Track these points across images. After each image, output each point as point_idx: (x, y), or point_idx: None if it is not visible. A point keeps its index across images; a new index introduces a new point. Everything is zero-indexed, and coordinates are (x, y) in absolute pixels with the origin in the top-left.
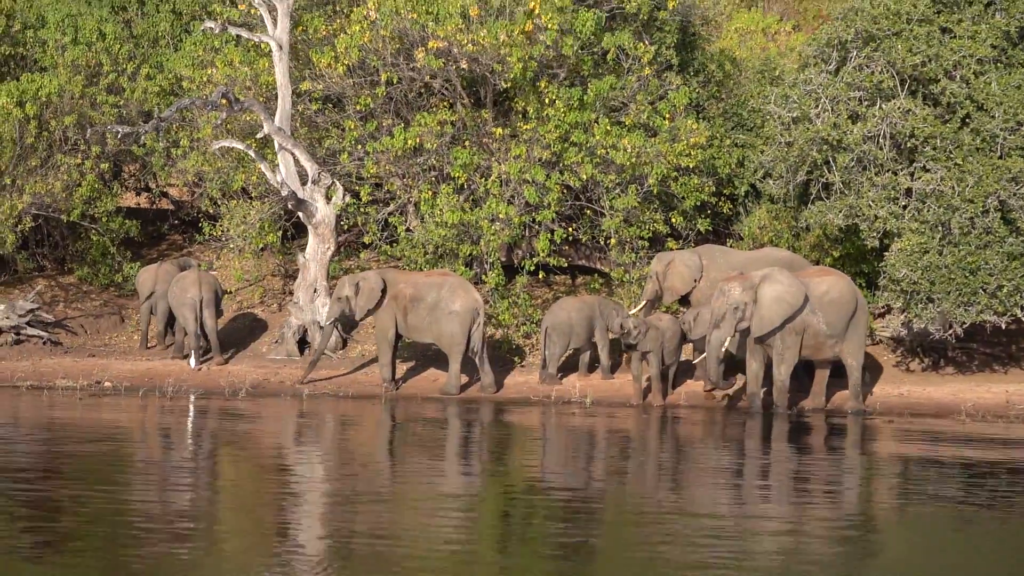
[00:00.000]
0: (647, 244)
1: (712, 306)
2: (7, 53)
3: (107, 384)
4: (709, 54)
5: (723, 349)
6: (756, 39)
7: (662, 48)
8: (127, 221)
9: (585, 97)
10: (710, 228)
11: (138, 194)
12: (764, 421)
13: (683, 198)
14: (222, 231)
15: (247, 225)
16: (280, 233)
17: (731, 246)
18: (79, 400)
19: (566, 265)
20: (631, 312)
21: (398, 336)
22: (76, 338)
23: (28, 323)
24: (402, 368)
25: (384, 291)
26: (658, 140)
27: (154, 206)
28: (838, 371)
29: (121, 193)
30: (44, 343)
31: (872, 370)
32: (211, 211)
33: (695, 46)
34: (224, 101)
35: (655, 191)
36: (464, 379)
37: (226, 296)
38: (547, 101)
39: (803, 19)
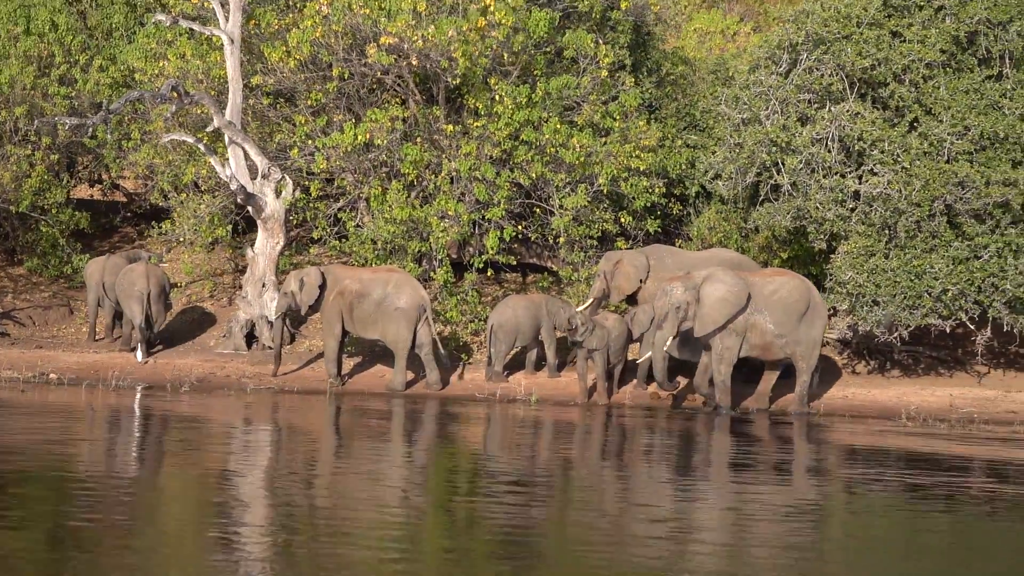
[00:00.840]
0: (596, 243)
1: (655, 306)
2: None
3: (52, 376)
4: (663, 53)
5: (665, 349)
6: (715, 40)
7: (615, 48)
8: (77, 213)
9: (533, 95)
10: (660, 228)
11: (91, 186)
12: (706, 420)
13: (633, 198)
14: (171, 225)
15: (197, 219)
16: (231, 227)
17: (680, 247)
18: (21, 391)
19: (515, 263)
20: (578, 310)
21: (345, 332)
22: (24, 329)
23: None
24: (349, 364)
25: (323, 287)
26: (609, 140)
27: (107, 198)
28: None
29: (75, 185)
30: None
31: (828, 372)
32: (162, 204)
33: (649, 46)
34: (174, 94)
35: (605, 191)
36: (411, 376)
37: (176, 290)
38: (497, 98)
39: (763, 20)
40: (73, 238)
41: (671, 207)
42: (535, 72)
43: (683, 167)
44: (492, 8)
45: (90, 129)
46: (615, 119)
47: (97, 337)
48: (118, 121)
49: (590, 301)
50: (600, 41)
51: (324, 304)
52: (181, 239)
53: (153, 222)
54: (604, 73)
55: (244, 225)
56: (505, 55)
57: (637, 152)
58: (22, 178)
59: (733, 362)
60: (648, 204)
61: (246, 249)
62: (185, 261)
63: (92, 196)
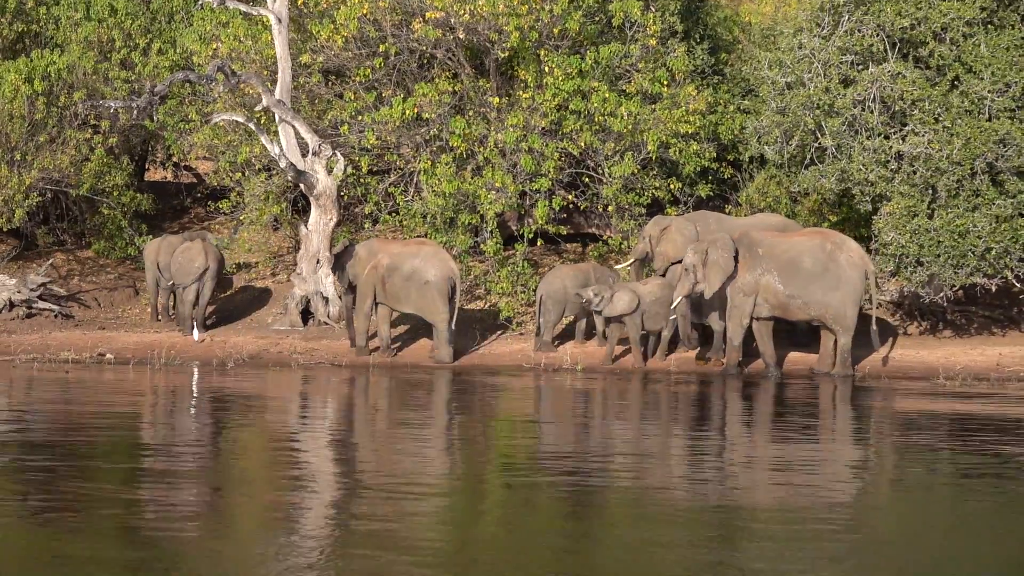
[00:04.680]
0: (644, 211)
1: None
2: (20, 30)
3: (108, 356)
4: (718, 20)
5: (673, 308)
6: (792, 5)
7: (665, 15)
8: (138, 195)
9: (583, 65)
10: (711, 194)
11: (164, 168)
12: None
13: (683, 164)
14: (233, 204)
15: (254, 197)
16: (289, 205)
17: (728, 212)
18: (66, 373)
19: (566, 233)
20: (617, 267)
21: (377, 305)
22: (89, 311)
23: (40, 296)
24: (396, 335)
25: (341, 256)
26: (659, 107)
27: (178, 180)
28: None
29: (148, 168)
30: (56, 316)
31: (880, 334)
32: (218, 184)
33: (701, 12)
34: (220, 75)
35: (654, 157)
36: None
37: (239, 268)
38: (546, 70)
39: None
40: (140, 220)
41: (723, 172)
42: (585, 42)
43: (735, 132)
44: None
45: (136, 111)
46: (663, 84)
47: (159, 317)
48: (178, 103)
49: (631, 260)
50: (651, 8)
51: (360, 278)
52: (241, 218)
53: (209, 201)
54: (653, 41)
55: (304, 203)
56: (556, 29)
57: (686, 117)
58: (82, 162)
59: (743, 322)
60: (699, 169)
61: (300, 226)
62: (244, 239)
63: (166, 178)
